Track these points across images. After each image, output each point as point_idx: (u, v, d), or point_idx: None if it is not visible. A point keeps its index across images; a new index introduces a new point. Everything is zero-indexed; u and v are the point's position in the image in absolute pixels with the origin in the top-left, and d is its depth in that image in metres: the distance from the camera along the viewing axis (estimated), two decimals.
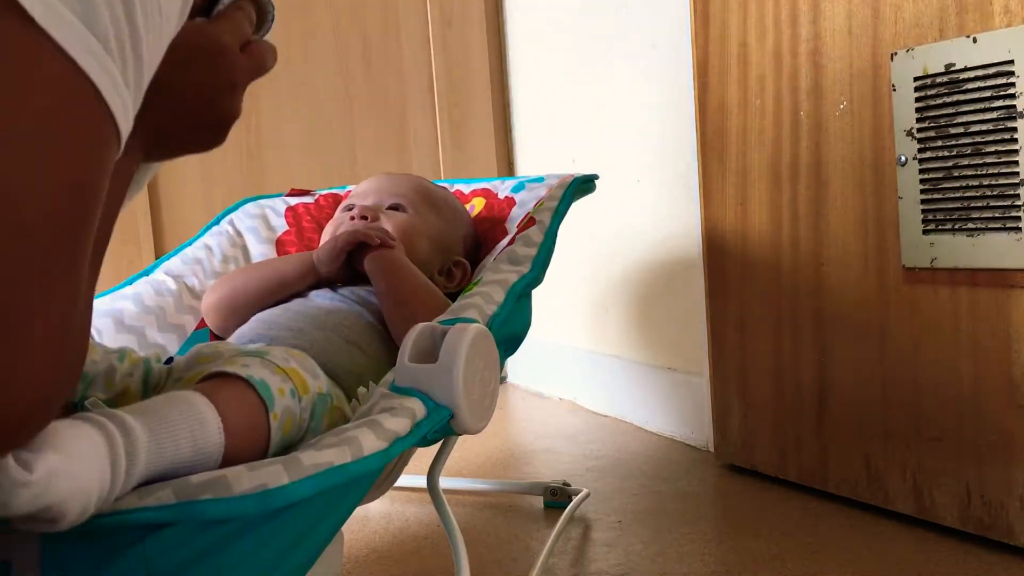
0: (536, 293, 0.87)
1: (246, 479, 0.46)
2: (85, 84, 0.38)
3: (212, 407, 0.51)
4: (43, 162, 0.37)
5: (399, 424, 0.57)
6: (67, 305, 0.40)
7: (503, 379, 1.91)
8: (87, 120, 0.39)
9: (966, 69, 0.87)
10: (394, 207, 0.99)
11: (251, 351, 0.60)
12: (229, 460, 0.51)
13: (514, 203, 1.08)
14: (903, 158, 0.94)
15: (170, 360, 0.77)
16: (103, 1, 0.38)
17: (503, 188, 1.11)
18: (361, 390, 0.75)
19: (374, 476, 0.58)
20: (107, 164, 0.41)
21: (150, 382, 0.70)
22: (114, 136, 0.41)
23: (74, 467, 0.42)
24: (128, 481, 0.46)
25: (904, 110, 0.93)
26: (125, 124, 0.42)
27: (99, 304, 0.94)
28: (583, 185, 1.01)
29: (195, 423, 0.50)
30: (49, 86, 0.37)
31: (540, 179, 1.08)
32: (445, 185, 1.15)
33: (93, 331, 0.91)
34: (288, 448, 0.57)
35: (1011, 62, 0.83)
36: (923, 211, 0.93)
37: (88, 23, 0.38)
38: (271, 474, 0.47)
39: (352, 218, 0.98)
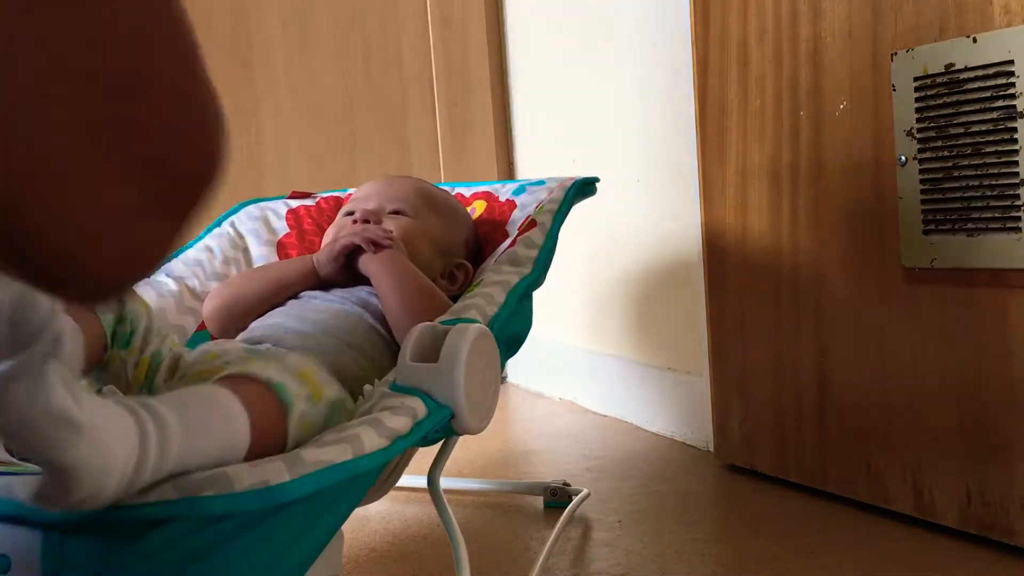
0: (537, 292, 0.87)
1: (247, 475, 0.46)
2: None
3: (243, 410, 0.51)
4: None
5: (400, 423, 0.57)
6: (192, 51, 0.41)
7: (503, 379, 1.91)
8: None
9: (966, 69, 0.87)
10: (395, 212, 0.99)
11: (265, 353, 0.60)
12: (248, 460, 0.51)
13: (515, 206, 1.08)
14: (903, 158, 0.94)
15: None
16: None
17: (504, 191, 1.11)
18: (367, 387, 0.76)
19: (375, 474, 0.58)
20: None
21: (154, 382, 0.70)
22: None
23: (102, 441, 0.42)
24: (156, 475, 0.45)
25: (904, 110, 0.93)
26: None
27: None
28: (584, 187, 1.01)
29: (227, 426, 0.50)
30: None
31: (541, 182, 1.08)
32: (445, 188, 1.15)
33: None
34: None
35: (1011, 62, 0.83)
36: (923, 211, 0.93)
37: None
38: (272, 471, 0.47)
39: (354, 222, 0.98)
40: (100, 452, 0.41)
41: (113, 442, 0.42)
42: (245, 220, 1.13)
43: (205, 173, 0.41)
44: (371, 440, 0.53)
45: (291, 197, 1.19)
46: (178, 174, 0.39)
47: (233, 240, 1.10)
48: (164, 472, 0.46)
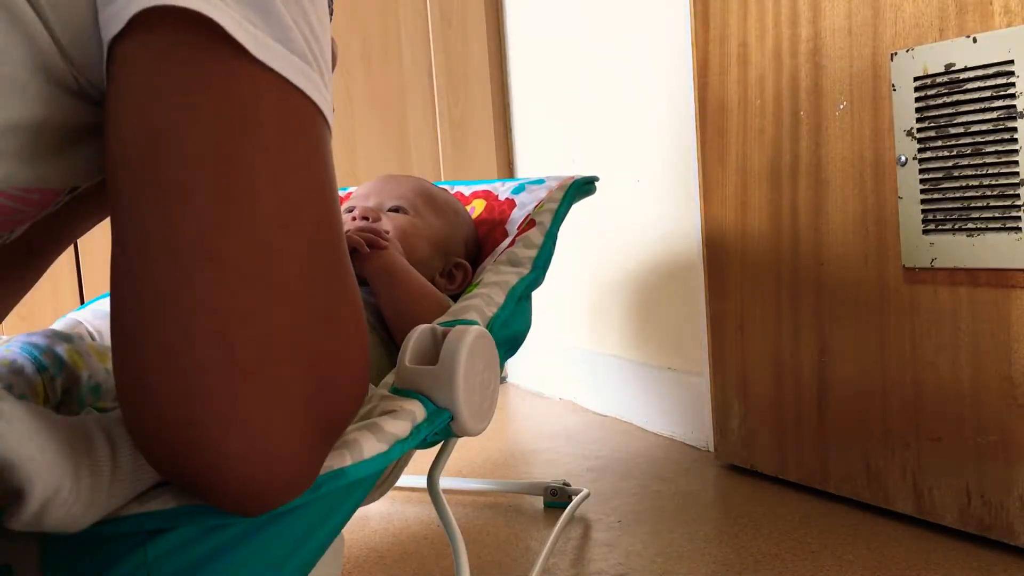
0: (536, 292, 0.87)
1: None
2: (304, 99, 0.44)
3: None
4: (303, 176, 0.43)
5: (399, 427, 0.57)
6: (357, 293, 0.47)
7: (503, 379, 1.91)
8: (313, 128, 0.45)
9: (966, 69, 0.87)
10: (395, 209, 0.99)
11: None
12: None
13: (514, 205, 1.07)
14: (903, 158, 0.94)
15: None
16: (293, 23, 0.43)
17: (503, 190, 1.11)
18: None
19: (374, 479, 0.58)
20: (331, 156, 0.47)
21: None
22: (328, 132, 0.47)
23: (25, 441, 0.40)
24: (127, 482, 0.45)
25: (904, 110, 0.93)
26: (330, 119, 0.47)
27: (101, 306, 0.94)
28: (584, 187, 1.01)
29: None
30: (280, 110, 0.43)
31: (541, 181, 1.08)
32: (445, 187, 1.15)
33: (95, 333, 0.91)
34: None
35: (1011, 62, 0.83)
36: (923, 211, 0.93)
37: (288, 45, 0.43)
38: None
39: (353, 219, 0.98)
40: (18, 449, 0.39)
41: (38, 442, 0.40)
42: None
43: (360, 395, 0.47)
44: (370, 445, 0.53)
45: None
46: (341, 400, 0.45)
47: None
48: (141, 478, 0.45)
